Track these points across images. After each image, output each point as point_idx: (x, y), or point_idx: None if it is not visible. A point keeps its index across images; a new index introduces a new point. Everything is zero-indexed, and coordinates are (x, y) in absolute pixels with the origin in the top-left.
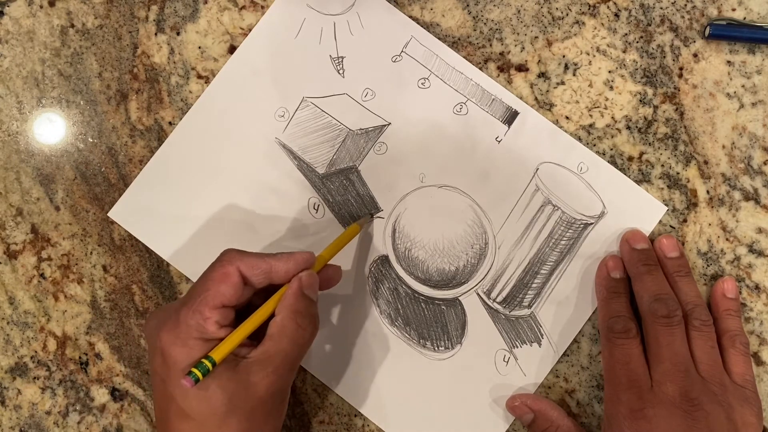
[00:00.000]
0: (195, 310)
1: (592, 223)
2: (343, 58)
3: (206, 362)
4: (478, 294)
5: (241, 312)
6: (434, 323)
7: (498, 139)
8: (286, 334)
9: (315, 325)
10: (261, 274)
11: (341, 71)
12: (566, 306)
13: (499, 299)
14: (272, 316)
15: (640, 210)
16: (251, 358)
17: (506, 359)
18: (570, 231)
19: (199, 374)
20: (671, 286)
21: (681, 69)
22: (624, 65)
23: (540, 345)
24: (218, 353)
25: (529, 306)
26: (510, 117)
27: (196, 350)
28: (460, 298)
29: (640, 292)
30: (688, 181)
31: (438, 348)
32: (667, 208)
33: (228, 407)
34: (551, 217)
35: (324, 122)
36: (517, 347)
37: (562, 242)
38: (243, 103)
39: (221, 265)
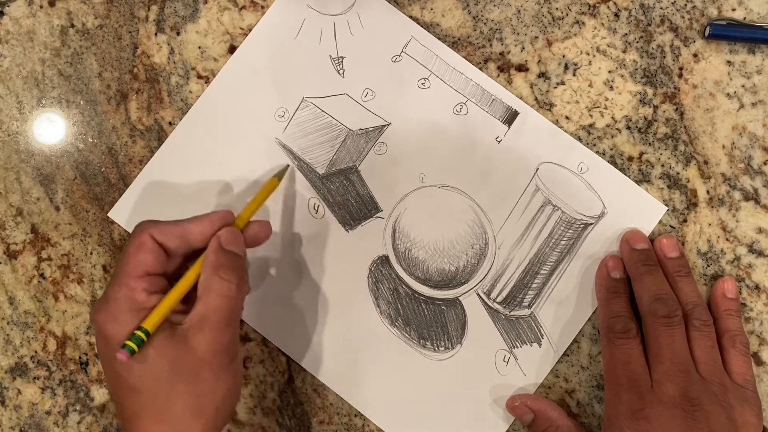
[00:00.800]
0: (120, 283)
1: (592, 223)
2: (343, 58)
3: (139, 333)
4: (478, 294)
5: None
6: (434, 323)
7: (498, 139)
8: (212, 290)
9: (242, 277)
10: (177, 238)
11: (341, 71)
12: (566, 306)
13: (499, 299)
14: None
15: (640, 210)
16: (186, 322)
17: (506, 359)
18: (570, 231)
19: (133, 346)
20: (671, 286)
21: (681, 69)
22: (624, 65)
23: (540, 345)
24: (149, 322)
25: (529, 306)
26: (510, 117)
27: (129, 324)
28: (460, 298)
29: (640, 293)
30: (688, 181)
31: (438, 348)
32: (667, 209)
33: (172, 373)
34: (551, 217)
35: (324, 122)
36: (517, 347)
37: (562, 242)
38: (243, 103)
39: (134, 236)
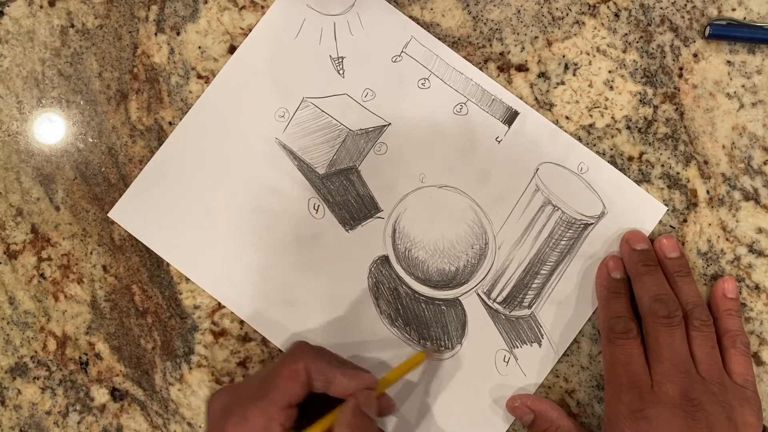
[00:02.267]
0: (263, 409)
1: (592, 224)
2: (343, 58)
3: None
4: (478, 294)
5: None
6: (434, 323)
7: (498, 140)
8: None
9: None
10: (323, 380)
11: (341, 71)
12: (566, 306)
13: (499, 299)
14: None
15: (641, 210)
16: None
17: (506, 359)
18: (570, 231)
19: None
20: (671, 286)
21: (681, 69)
22: (624, 65)
23: (540, 345)
24: None
25: (529, 306)
26: (510, 117)
27: None
28: (460, 298)
29: (640, 293)
30: (688, 181)
31: (438, 348)
32: (667, 209)
33: None
34: (551, 218)
35: (324, 122)
36: (517, 347)
37: (563, 242)
38: (243, 103)
39: (292, 360)
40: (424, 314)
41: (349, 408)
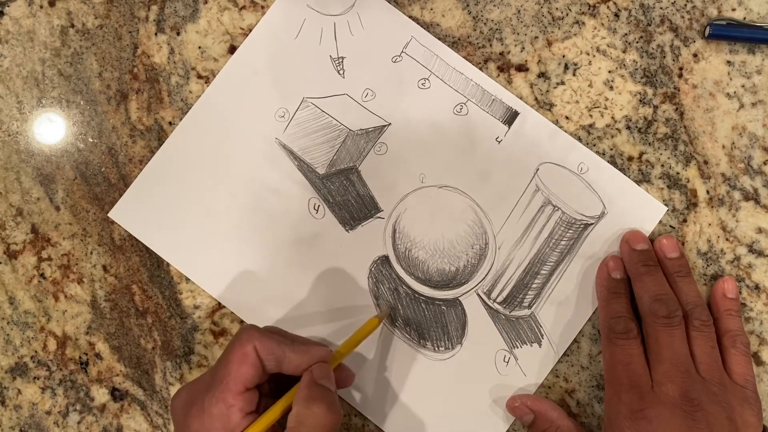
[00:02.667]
0: (218, 398)
1: (592, 224)
2: (343, 58)
3: None
4: (478, 294)
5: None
6: (434, 323)
7: (498, 140)
8: (304, 423)
9: (335, 411)
10: (273, 359)
11: (341, 72)
12: (566, 306)
13: (499, 299)
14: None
15: (641, 210)
16: None
17: (506, 359)
18: (570, 231)
19: None
20: (671, 287)
21: (681, 69)
22: (624, 65)
23: (540, 345)
24: None
25: (530, 306)
26: (510, 117)
27: None
28: (460, 298)
29: (640, 293)
30: (688, 181)
31: (438, 348)
32: (667, 209)
33: None
34: (551, 218)
35: (324, 122)
36: (518, 347)
37: (563, 242)
38: (243, 103)
39: (240, 344)
40: (424, 314)
41: (304, 382)
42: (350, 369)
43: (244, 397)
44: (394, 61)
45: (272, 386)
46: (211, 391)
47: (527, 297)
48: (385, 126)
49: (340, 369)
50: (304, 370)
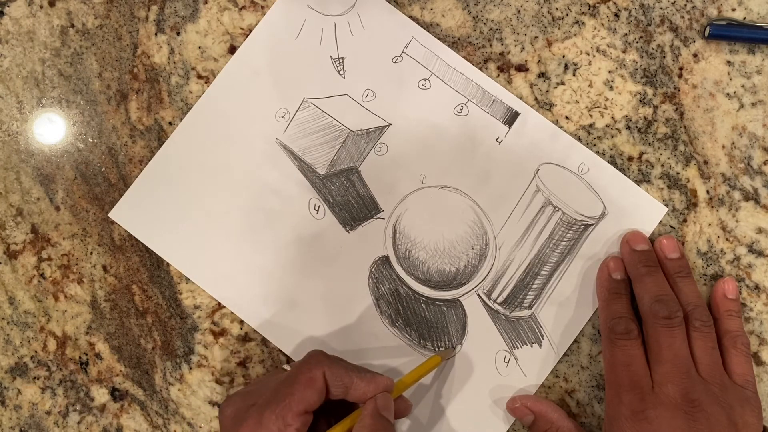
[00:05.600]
0: (278, 415)
1: (592, 224)
2: (343, 58)
3: None
4: (478, 295)
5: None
6: (435, 324)
7: (498, 140)
8: None
9: None
10: (341, 386)
11: (342, 72)
12: (567, 307)
13: (499, 300)
14: None
15: (641, 211)
16: None
17: (507, 360)
18: (570, 232)
19: None
20: (671, 287)
21: (681, 69)
22: (624, 65)
23: (540, 346)
24: None
25: (530, 307)
26: (510, 118)
27: None
28: (460, 298)
29: (641, 294)
30: (688, 181)
31: (438, 349)
32: (667, 209)
33: None
34: (552, 218)
35: (324, 123)
36: (518, 348)
37: (563, 243)
38: (243, 103)
39: (308, 367)
40: (424, 315)
41: (368, 411)
42: (408, 399)
43: (302, 419)
44: (395, 62)
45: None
46: (271, 407)
47: (527, 297)
48: (385, 126)
49: (399, 399)
50: (366, 399)
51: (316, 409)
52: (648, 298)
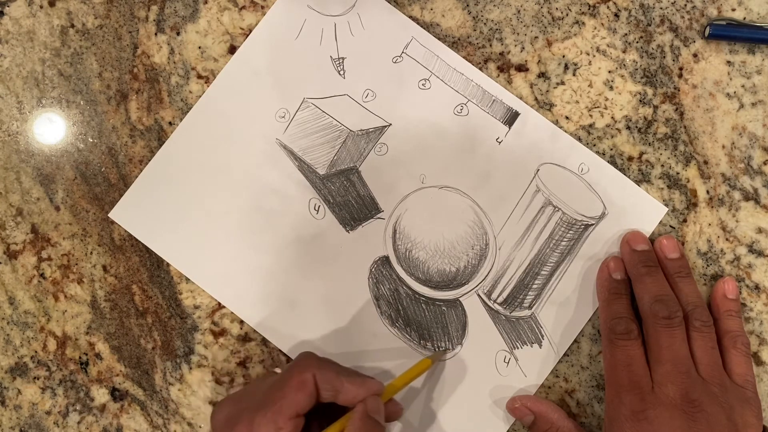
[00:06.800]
0: (270, 419)
1: (592, 224)
2: (343, 59)
3: None
4: (478, 295)
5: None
6: (435, 324)
7: (498, 140)
8: None
9: None
10: (330, 390)
11: (342, 72)
12: (567, 307)
13: (499, 300)
14: None
15: (641, 211)
16: None
17: (507, 360)
18: (570, 232)
19: None
20: (671, 287)
21: (681, 69)
22: (624, 65)
23: (540, 346)
24: None
25: (530, 307)
26: (510, 118)
27: None
28: (460, 299)
29: (641, 294)
30: (688, 181)
31: (438, 349)
32: (667, 209)
33: None
34: (552, 218)
35: (324, 123)
36: (518, 348)
37: (563, 243)
38: (243, 103)
39: (299, 371)
40: (424, 315)
41: (357, 414)
42: (399, 403)
43: (294, 423)
44: (395, 62)
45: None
46: (262, 410)
47: (528, 297)
48: (385, 126)
49: (390, 402)
50: (357, 402)
51: (308, 412)
52: (648, 298)
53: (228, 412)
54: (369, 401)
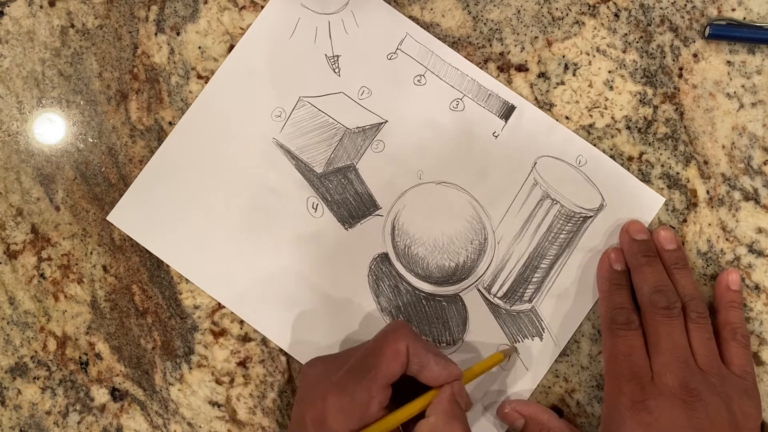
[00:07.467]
0: (364, 387)
1: (591, 216)
2: (338, 56)
3: None
4: (478, 289)
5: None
6: (435, 320)
7: (495, 134)
8: None
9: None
10: (417, 364)
11: (337, 70)
12: (567, 299)
13: (499, 294)
14: (418, 416)
15: (639, 202)
16: None
17: (508, 354)
18: (569, 224)
19: None
20: (669, 278)
21: (681, 69)
22: (624, 65)
23: (541, 339)
24: None
25: (530, 300)
26: (507, 112)
27: (350, 425)
28: (460, 294)
29: (640, 284)
30: (688, 181)
31: (440, 344)
32: (665, 200)
33: None
34: (550, 211)
35: (321, 121)
36: (519, 342)
37: (562, 236)
38: (240, 103)
39: (395, 339)
40: (425, 311)
41: (446, 396)
42: (470, 396)
43: (385, 392)
44: (390, 59)
45: None
46: (357, 377)
47: (527, 291)
48: (381, 123)
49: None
50: (437, 383)
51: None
52: (647, 288)
53: (320, 371)
54: (456, 386)
